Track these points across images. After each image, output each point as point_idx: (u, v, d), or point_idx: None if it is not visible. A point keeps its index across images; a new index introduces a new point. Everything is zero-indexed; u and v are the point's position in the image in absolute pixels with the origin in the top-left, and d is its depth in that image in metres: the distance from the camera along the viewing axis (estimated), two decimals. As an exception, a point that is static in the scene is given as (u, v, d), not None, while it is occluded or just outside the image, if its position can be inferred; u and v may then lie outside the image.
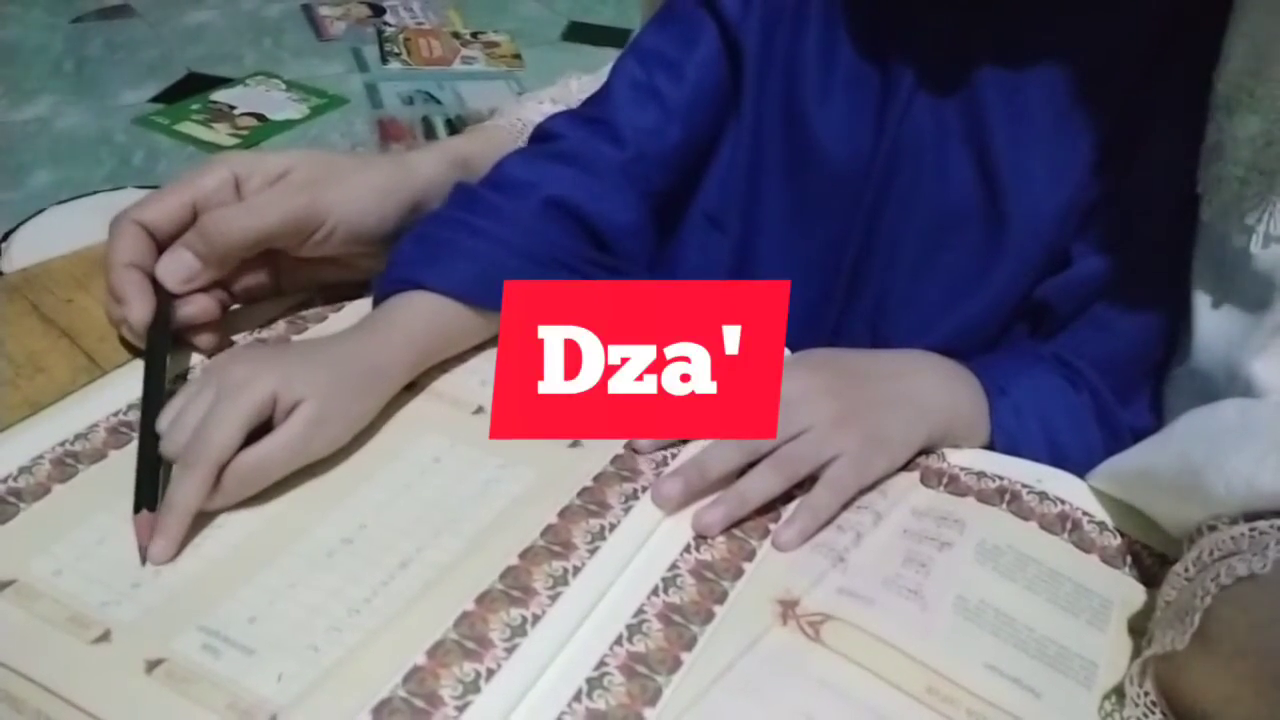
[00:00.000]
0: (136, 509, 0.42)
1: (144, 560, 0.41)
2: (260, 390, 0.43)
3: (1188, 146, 0.51)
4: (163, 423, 0.45)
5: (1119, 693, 0.39)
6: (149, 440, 0.44)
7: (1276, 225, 0.45)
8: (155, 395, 0.47)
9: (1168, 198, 0.52)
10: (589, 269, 0.55)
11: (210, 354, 0.52)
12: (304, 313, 0.57)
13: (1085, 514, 0.48)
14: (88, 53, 2.24)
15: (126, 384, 0.50)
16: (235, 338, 0.54)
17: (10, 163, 1.85)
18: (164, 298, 0.50)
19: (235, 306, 0.55)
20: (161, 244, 0.52)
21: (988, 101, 0.54)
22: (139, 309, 0.50)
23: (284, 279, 0.57)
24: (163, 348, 0.49)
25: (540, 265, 0.53)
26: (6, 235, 1.25)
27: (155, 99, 2.08)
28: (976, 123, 0.55)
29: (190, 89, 2.12)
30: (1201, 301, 0.50)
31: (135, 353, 0.52)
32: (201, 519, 0.42)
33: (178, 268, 0.50)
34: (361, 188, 0.54)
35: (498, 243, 0.53)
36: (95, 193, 1.47)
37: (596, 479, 0.46)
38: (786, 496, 0.46)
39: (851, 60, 0.57)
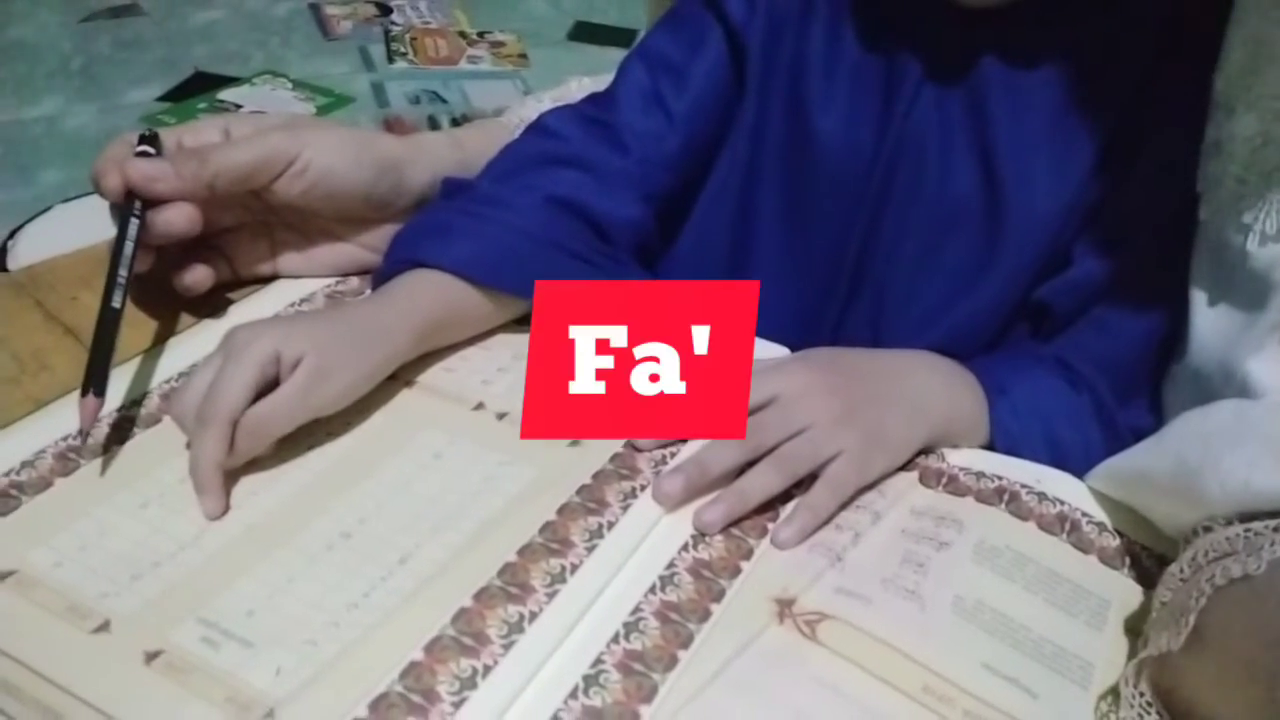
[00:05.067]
0: (84, 392, 0.45)
1: (83, 440, 0.45)
2: (262, 347, 0.45)
3: (1189, 147, 0.50)
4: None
5: (1115, 693, 0.39)
6: (107, 322, 0.47)
7: (1273, 224, 0.45)
8: (112, 278, 0.48)
9: (1169, 199, 0.52)
10: (594, 256, 0.55)
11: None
12: (302, 309, 0.57)
13: (1084, 514, 0.48)
14: (95, 51, 2.25)
15: (129, 380, 0.50)
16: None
17: (18, 161, 1.86)
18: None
19: (229, 298, 0.56)
20: None
21: (991, 100, 0.54)
22: (114, 179, 0.50)
23: (276, 256, 0.58)
24: (126, 233, 0.50)
25: (544, 248, 0.53)
26: (13, 233, 1.25)
27: (162, 98, 2.09)
28: (980, 121, 0.55)
29: (197, 88, 2.13)
30: (1199, 300, 0.50)
31: (140, 343, 0.52)
32: (199, 512, 0.43)
33: (149, 166, 0.51)
34: (337, 135, 0.56)
35: (501, 225, 0.53)
36: (101, 191, 1.47)
37: (595, 477, 0.46)
38: (785, 495, 0.46)
39: (857, 58, 0.57)
